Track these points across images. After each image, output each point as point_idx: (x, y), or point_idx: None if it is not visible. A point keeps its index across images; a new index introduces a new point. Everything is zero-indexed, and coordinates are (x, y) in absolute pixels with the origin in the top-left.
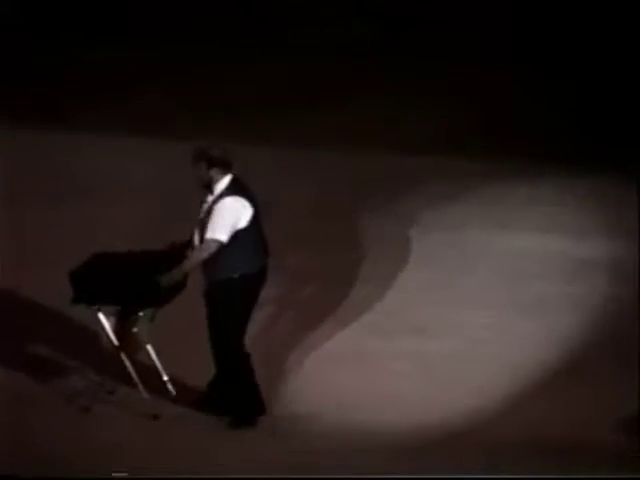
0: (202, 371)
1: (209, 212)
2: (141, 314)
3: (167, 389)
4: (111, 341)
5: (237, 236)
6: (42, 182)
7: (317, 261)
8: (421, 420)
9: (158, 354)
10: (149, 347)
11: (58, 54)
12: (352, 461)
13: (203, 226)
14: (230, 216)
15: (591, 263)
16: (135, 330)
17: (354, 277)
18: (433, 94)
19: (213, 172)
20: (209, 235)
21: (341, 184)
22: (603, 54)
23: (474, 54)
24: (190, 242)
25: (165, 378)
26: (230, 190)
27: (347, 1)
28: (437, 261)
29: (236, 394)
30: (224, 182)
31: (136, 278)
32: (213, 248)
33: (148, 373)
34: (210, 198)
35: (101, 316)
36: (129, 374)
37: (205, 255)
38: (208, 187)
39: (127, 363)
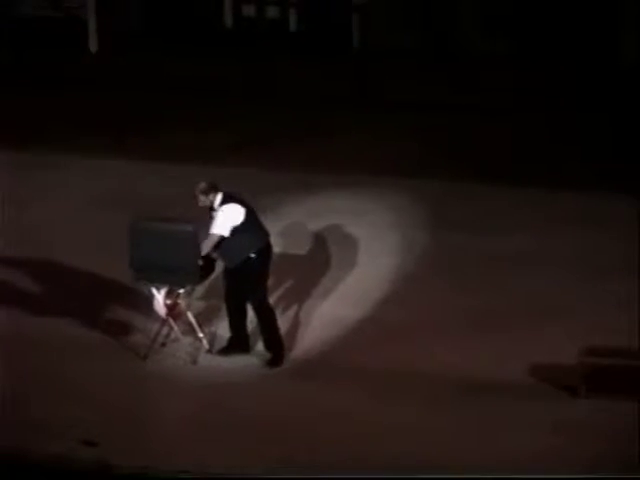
0: (226, 330)
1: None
2: (182, 290)
3: (202, 343)
4: (161, 309)
5: (240, 229)
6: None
7: (308, 254)
8: (375, 355)
9: (195, 318)
10: (189, 314)
11: None
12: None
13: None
14: (225, 217)
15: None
16: (179, 301)
17: (332, 265)
18: (395, 137)
19: (210, 197)
20: (211, 231)
21: (323, 203)
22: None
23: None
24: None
25: (200, 335)
26: (223, 202)
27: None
28: (394, 254)
29: (274, 338)
30: (218, 199)
31: (178, 267)
32: (215, 238)
33: (188, 332)
34: (213, 214)
35: (154, 291)
36: (175, 332)
37: (210, 244)
38: (212, 209)
39: (173, 325)
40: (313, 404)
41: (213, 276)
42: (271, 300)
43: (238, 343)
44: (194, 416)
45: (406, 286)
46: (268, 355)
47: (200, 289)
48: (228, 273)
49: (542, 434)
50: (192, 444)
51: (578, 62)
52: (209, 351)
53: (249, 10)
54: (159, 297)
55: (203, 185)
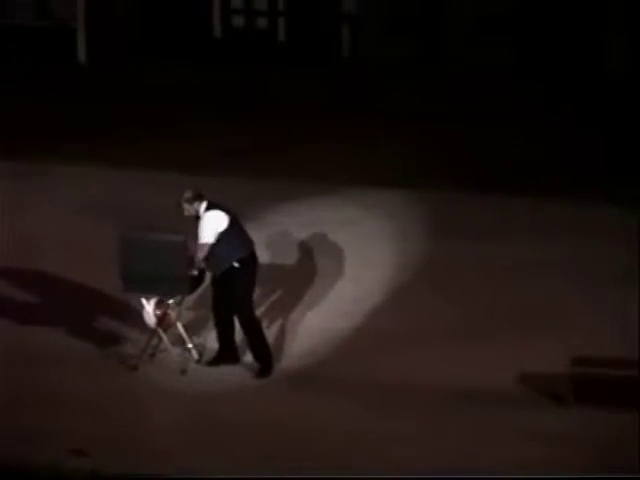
0: (215, 341)
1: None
2: (172, 301)
3: (191, 353)
4: (151, 319)
5: (222, 237)
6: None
7: (295, 263)
8: (364, 365)
9: (184, 329)
10: (178, 324)
11: None
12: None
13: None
14: (209, 224)
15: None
16: (168, 312)
17: (319, 274)
18: (385, 145)
19: (195, 205)
20: (200, 241)
21: (311, 212)
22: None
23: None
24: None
25: (189, 345)
26: (207, 210)
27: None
28: (383, 263)
29: (261, 349)
30: (203, 207)
31: (167, 277)
32: (205, 248)
33: (178, 342)
34: (199, 222)
35: (144, 301)
36: (164, 343)
37: (202, 254)
38: (197, 217)
39: (163, 335)
40: (302, 414)
41: (203, 286)
42: (258, 310)
43: (227, 354)
44: (183, 426)
45: (396, 295)
46: (257, 366)
47: (189, 299)
48: (216, 283)
49: (530, 443)
50: (181, 453)
51: (568, 70)
52: (198, 361)
53: (238, 21)
54: (149, 307)
55: (188, 194)
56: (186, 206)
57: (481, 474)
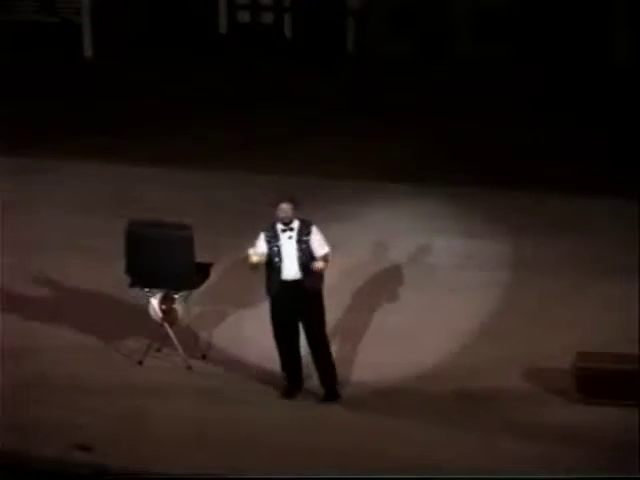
0: (221, 335)
1: (304, 238)
2: (178, 296)
3: (197, 348)
4: (157, 315)
5: None
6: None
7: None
8: (373, 361)
9: (191, 323)
10: (184, 319)
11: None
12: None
13: (303, 246)
14: (322, 235)
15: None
16: (174, 306)
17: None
18: (390, 141)
19: (295, 211)
20: (326, 250)
21: (322, 208)
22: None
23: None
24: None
25: (196, 340)
26: (305, 222)
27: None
28: (392, 259)
29: (331, 369)
30: (296, 218)
31: (173, 272)
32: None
33: (184, 337)
34: (288, 233)
35: (150, 296)
36: (170, 338)
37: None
38: (285, 223)
39: (169, 330)
40: (305, 411)
41: (208, 282)
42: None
43: (298, 381)
44: (189, 421)
45: (403, 291)
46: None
47: (196, 294)
48: (286, 304)
49: (536, 438)
50: (187, 449)
51: (571, 63)
52: (204, 357)
53: (244, 16)
54: (154, 302)
55: (291, 196)
56: (289, 207)
57: (484, 470)
